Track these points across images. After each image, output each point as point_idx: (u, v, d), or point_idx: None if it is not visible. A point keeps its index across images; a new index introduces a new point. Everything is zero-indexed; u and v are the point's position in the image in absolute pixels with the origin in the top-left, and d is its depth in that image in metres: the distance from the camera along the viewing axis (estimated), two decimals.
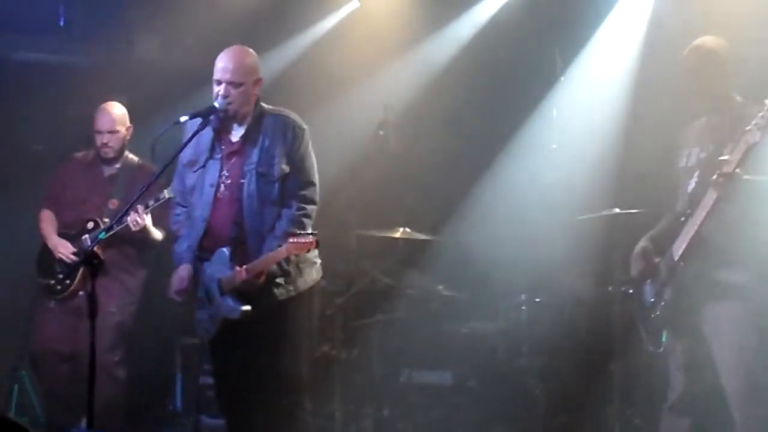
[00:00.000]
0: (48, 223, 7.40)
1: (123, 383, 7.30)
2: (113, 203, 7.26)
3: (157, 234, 7.13)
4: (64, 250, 7.23)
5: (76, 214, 7.31)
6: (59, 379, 7.26)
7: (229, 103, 5.76)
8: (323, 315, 7.61)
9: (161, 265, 7.15)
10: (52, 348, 7.25)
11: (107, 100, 7.40)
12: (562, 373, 7.63)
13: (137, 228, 6.91)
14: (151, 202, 6.77)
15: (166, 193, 6.56)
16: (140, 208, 6.80)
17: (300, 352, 5.96)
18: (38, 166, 8.06)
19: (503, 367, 7.76)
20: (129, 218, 6.78)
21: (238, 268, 5.70)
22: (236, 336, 5.85)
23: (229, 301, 5.77)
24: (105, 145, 7.31)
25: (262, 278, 5.71)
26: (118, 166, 7.41)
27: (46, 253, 7.34)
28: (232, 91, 5.75)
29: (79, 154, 7.53)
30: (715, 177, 5.55)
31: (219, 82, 5.76)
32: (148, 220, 6.91)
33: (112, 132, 7.32)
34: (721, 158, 5.56)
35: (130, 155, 7.44)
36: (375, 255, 8.33)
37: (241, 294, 5.75)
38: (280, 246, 5.66)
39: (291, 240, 5.57)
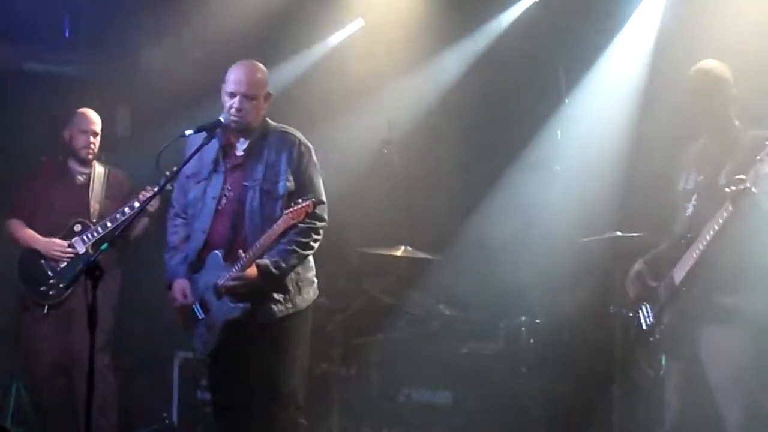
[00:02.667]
0: (24, 228, 7.39)
1: (114, 388, 7.30)
2: (94, 206, 7.30)
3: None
4: (60, 247, 7.23)
5: (51, 221, 7.34)
6: (57, 392, 7.24)
7: (242, 116, 5.77)
8: (323, 332, 7.61)
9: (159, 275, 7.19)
10: (49, 362, 7.23)
11: (112, 111, 7.44)
12: (562, 395, 7.61)
13: (153, 208, 6.95)
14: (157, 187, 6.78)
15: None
16: (150, 188, 6.87)
17: (296, 369, 5.93)
18: None
19: (502, 388, 7.74)
20: (142, 198, 6.82)
21: (241, 251, 5.68)
22: (234, 352, 5.84)
23: (228, 302, 5.75)
24: (90, 144, 7.39)
25: (254, 270, 5.66)
26: (87, 170, 7.49)
27: (29, 260, 7.33)
28: (246, 104, 5.76)
29: (48, 162, 7.58)
30: (729, 190, 5.52)
31: (233, 95, 5.76)
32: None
33: (96, 134, 7.41)
34: (737, 177, 5.53)
35: (97, 163, 7.54)
36: (376, 273, 8.33)
37: (238, 295, 5.72)
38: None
39: (286, 212, 5.57)
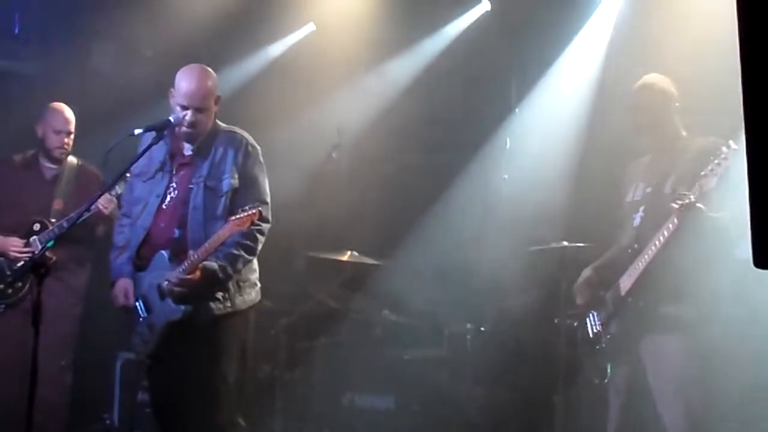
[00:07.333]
0: None
1: (68, 389, 7.22)
2: (58, 203, 7.21)
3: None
4: (16, 248, 7.14)
5: (17, 216, 7.21)
6: (13, 390, 7.10)
7: (195, 128, 5.77)
8: (267, 335, 7.59)
9: (101, 275, 7.12)
10: (6, 360, 7.08)
11: None
12: (505, 403, 7.65)
13: (108, 210, 6.84)
14: (114, 191, 6.69)
15: (118, 189, 6.59)
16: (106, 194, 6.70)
17: (229, 369, 5.88)
18: None
19: (446, 394, 7.75)
20: (99, 201, 6.63)
21: (190, 252, 5.62)
22: (173, 352, 5.80)
23: (170, 304, 5.70)
24: (64, 144, 7.28)
25: (199, 274, 5.62)
26: (58, 166, 7.37)
27: None
28: (198, 116, 5.75)
29: (17, 157, 7.47)
30: (676, 206, 5.55)
31: (185, 108, 5.73)
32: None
33: (70, 133, 7.30)
34: (681, 193, 5.57)
35: (69, 156, 7.41)
36: (322, 277, 8.31)
37: (181, 297, 5.69)
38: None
39: (231, 218, 5.54)
